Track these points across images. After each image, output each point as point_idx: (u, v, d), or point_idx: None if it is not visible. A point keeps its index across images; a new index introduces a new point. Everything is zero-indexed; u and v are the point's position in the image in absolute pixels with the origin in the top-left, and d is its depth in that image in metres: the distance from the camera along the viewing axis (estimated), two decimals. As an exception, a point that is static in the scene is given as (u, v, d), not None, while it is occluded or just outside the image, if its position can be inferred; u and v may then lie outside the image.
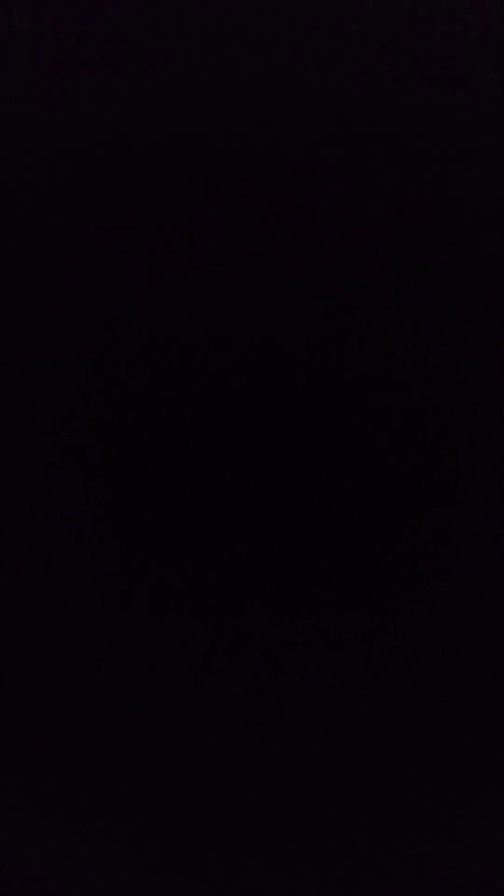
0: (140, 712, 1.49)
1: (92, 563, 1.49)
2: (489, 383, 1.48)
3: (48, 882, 1.47)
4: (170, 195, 1.48)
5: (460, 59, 1.42)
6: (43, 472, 1.50)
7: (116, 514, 1.49)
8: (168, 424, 1.49)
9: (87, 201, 1.48)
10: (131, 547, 1.49)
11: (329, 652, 1.48)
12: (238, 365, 1.48)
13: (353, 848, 1.48)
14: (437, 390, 1.48)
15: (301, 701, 1.48)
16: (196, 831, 1.48)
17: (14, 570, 1.50)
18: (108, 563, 1.49)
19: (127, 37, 1.42)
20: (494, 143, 1.43)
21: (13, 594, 1.49)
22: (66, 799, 1.49)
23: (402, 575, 1.47)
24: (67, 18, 1.43)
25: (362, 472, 1.48)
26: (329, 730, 1.48)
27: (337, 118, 1.45)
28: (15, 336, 1.49)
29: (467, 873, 1.46)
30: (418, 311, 1.47)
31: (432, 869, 1.46)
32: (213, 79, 1.45)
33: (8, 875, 1.47)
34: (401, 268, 1.46)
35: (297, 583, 1.48)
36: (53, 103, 1.47)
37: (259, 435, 1.48)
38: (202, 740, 1.49)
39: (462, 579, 1.47)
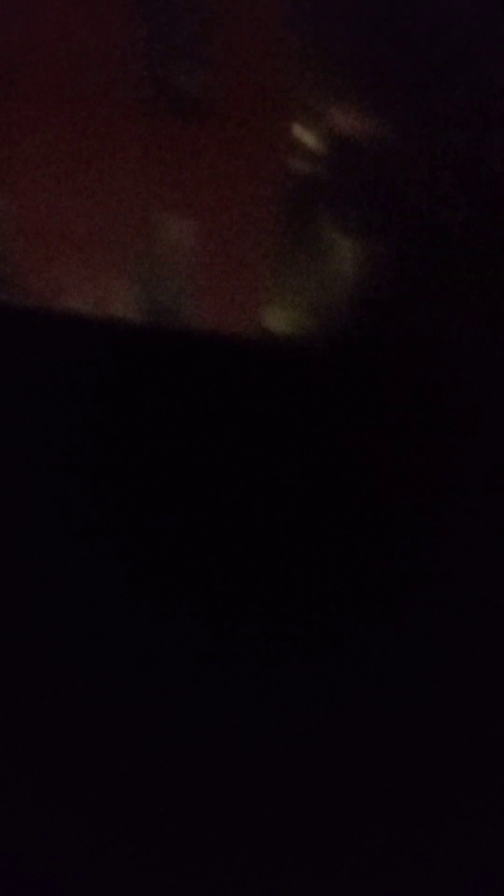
0: (138, 708, 1.49)
1: (92, 558, 1.50)
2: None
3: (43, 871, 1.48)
4: None
5: None
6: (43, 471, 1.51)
7: (115, 508, 1.50)
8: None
9: None
10: (130, 540, 1.50)
11: (329, 647, 1.48)
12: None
13: (353, 846, 1.48)
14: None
15: (302, 695, 1.48)
16: (195, 828, 1.49)
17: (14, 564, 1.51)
18: (108, 556, 1.50)
19: None
20: None
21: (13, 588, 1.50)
22: (64, 791, 1.50)
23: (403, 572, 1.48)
24: None
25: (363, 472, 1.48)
26: (329, 724, 1.48)
27: None
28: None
29: (467, 873, 1.46)
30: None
31: (432, 868, 1.46)
32: None
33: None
34: None
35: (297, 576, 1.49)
36: None
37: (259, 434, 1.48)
38: (202, 736, 1.49)
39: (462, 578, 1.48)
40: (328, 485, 1.40)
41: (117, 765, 1.49)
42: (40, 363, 1.39)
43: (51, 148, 1.32)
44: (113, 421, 1.40)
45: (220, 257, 1.37)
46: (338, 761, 1.48)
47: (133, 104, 1.30)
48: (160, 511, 1.44)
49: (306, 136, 1.32)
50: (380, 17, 1.25)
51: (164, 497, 1.43)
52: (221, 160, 1.31)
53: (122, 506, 1.44)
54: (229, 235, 1.35)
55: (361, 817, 1.48)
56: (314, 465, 1.39)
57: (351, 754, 1.48)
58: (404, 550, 1.43)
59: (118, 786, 1.49)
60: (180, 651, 1.49)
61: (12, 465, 1.44)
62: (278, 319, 1.40)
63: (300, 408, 1.38)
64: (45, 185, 1.35)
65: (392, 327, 1.36)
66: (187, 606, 1.49)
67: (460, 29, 1.27)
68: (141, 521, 1.45)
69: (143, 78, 1.29)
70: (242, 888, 1.48)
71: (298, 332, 1.38)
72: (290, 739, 1.48)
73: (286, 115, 1.30)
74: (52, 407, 1.40)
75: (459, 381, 1.36)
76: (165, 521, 1.45)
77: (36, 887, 1.49)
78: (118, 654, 1.50)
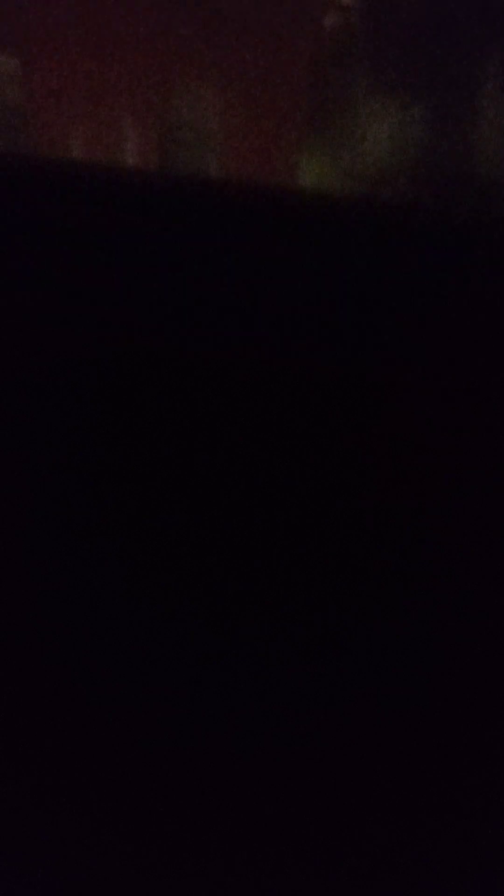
0: (138, 708, 1.49)
1: (92, 558, 1.50)
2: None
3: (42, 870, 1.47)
4: None
5: None
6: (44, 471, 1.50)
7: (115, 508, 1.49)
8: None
9: None
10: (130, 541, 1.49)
11: (329, 648, 1.48)
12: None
13: (353, 846, 1.47)
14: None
15: (302, 695, 1.49)
16: (195, 828, 1.48)
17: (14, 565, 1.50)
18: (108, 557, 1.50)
19: None
20: None
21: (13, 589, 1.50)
22: (64, 791, 1.49)
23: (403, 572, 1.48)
24: None
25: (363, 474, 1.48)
26: (329, 725, 1.48)
27: None
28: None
29: (467, 873, 1.45)
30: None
31: (432, 868, 1.46)
32: None
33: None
34: None
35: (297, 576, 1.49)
36: None
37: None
38: (202, 736, 1.49)
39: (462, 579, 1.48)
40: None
41: (117, 765, 1.49)
42: (61, 221, 1.36)
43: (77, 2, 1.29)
44: (121, 277, 1.37)
45: (250, 112, 1.34)
46: (338, 762, 1.48)
47: None
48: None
49: None
50: None
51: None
52: (253, 11, 1.28)
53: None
54: (260, 91, 1.32)
55: (361, 817, 1.48)
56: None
57: (351, 754, 1.48)
58: (405, 544, 1.44)
59: (118, 786, 1.49)
60: (180, 652, 1.49)
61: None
62: (309, 176, 1.36)
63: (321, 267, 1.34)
64: (69, 40, 1.32)
65: (428, 191, 1.33)
66: (187, 607, 1.49)
67: None
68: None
69: None
70: (242, 888, 1.47)
71: (330, 189, 1.35)
72: (291, 740, 1.48)
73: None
74: (55, 260, 1.37)
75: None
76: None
77: (36, 887, 1.48)
78: (118, 654, 1.50)
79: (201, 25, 1.29)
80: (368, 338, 1.36)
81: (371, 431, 1.41)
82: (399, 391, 1.39)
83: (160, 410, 1.44)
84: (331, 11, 1.30)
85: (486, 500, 1.47)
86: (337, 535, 1.49)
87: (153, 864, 1.49)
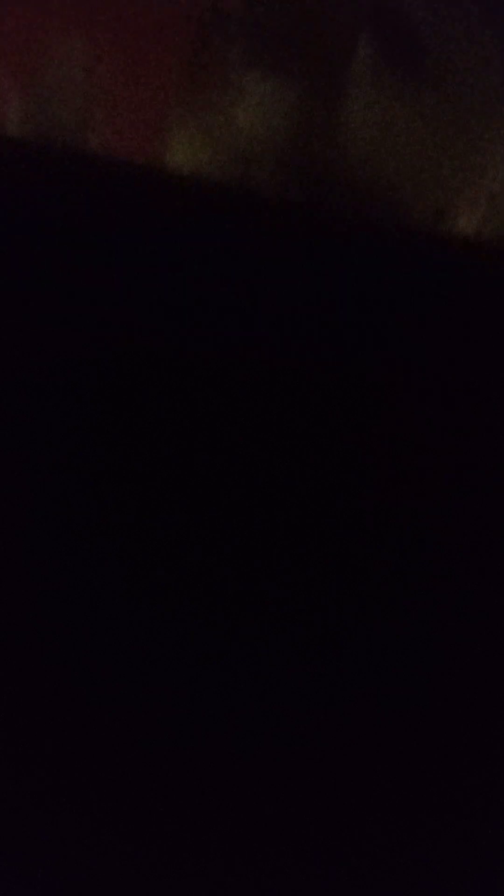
0: (138, 708, 1.49)
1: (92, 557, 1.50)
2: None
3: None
4: None
5: None
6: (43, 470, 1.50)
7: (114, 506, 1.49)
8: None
9: None
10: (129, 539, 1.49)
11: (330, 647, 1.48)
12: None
13: (353, 846, 1.47)
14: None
15: (302, 695, 1.48)
16: (195, 829, 1.48)
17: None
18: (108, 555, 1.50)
19: None
20: None
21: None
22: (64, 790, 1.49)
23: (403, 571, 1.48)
24: None
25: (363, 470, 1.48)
26: (329, 725, 1.48)
27: None
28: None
29: (467, 872, 1.46)
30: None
31: (432, 868, 1.46)
32: None
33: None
34: None
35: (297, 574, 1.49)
36: None
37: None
38: (202, 736, 1.49)
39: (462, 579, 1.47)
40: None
41: (117, 765, 1.49)
42: None
43: None
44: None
45: (122, 82, 1.33)
46: (338, 762, 1.48)
47: None
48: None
49: None
50: None
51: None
52: None
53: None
54: (133, 60, 1.32)
55: (361, 817, 1.48)
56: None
57: (351, 754, 1.48)
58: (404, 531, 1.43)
59: (118, 786, 1.49)
60: (180, 651, 1.49)
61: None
62: (178, 151, 1.36)
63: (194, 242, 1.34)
64: None
65: (296, 171, 1.33)
66: (187, 607, 1.49)
67: None
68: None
69: None
70: (242, 888, 1.47)
71: (198, 166, 1.34)
72: (290, 739, 1.48)
73: None
74: None
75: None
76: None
77: (36, 887, 1.48)
78: (118, 653, 1.50)
79: None
80: (230, 321, 1.36)
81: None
82: (237, 383, 1.40)
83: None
84: None
85: (479, 501, 1.47)
86: (334, 535, 1.49)
87: (153, 864, 1.49)
